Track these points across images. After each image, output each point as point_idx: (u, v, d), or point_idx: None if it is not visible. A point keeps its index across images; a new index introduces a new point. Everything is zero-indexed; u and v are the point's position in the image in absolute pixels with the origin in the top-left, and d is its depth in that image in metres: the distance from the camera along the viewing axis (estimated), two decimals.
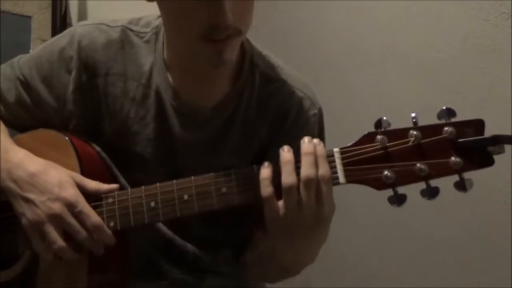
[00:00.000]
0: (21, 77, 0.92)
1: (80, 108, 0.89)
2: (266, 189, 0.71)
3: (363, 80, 1.71)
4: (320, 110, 0.94)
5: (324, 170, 0.70)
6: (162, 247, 0.93)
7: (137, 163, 0.89)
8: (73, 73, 0.88)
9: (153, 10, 0.99)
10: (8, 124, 0.94)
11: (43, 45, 0.95)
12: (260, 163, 0.76)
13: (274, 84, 0.91)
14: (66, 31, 0.93)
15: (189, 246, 0.93)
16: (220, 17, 0.72)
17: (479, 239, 1.32)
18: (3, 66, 0.96)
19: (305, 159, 0.70)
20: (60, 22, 1.97)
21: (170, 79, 0.88)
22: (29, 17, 1.94)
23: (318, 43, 1.93)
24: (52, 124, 0.92)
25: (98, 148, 0.89)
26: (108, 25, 0.90)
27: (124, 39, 0.89)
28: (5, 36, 1.82)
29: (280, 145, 0.87)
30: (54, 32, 1.94)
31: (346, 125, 1.57)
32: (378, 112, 1.66)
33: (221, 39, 0.75)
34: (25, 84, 0.92)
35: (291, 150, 0.72)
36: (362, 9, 1.74)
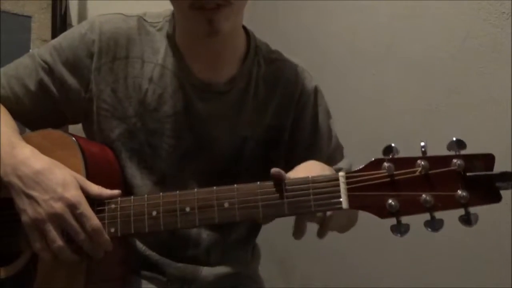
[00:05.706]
0: (42, 63, 0.94)
1: (100, 89, 0.92)
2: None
3: (363, 80, 1.71)
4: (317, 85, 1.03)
5: None
6: (159, 244, 0.94)
7: (154, 141, 0.92)
8: (95, 55, 0.92)
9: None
10: (25, 120, 0.96)
11: (60, 35, 0.98)
12: (275, 139, 0.92)
13: (277, 63, 0.99)
14: (83, 21, 0.97)
15: (189, 242, 0.95)
16: None
17: (479, 239, 1.31)
18: (22, 58, 0.98)
19: None
20: (60, 22, 1.97)
21: (183, 59, 0.93)
22: (29, 17, 1.95)
23: (318, 43, 1.94)
24: (69, 116, 0.95)
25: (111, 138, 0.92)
26: (125, 15, 0.96)
27: (141, 27, 0.95)
28: (5, 36, 1.82)
29: (297, 124, 0.98)
30: (54, 32, 1.94)
31: (346, 125, 1.57)
32: (378, 112, 1.66)
33: (210, 7, 0.80)
34: (47, 69, 0.94)
35: None
36: (362, 9, 1.74)
